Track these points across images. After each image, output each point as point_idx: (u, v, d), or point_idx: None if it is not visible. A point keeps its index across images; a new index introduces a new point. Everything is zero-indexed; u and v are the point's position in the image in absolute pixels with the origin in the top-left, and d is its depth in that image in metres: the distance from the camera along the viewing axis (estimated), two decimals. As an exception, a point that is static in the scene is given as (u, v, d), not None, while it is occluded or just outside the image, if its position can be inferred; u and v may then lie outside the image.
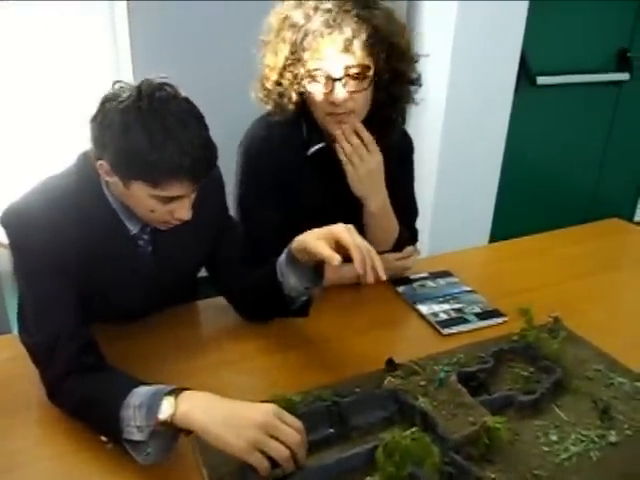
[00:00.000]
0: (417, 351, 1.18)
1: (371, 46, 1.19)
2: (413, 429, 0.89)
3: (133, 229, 1.14)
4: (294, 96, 1.26)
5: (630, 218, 2.02)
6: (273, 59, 1.25)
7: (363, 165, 1.29)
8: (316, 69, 1.20)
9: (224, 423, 0.86)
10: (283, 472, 0.87)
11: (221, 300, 1.38)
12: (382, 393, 1.03)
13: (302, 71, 1.22)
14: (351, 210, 1.34)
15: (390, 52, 1.23)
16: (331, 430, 0.97)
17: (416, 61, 1.30)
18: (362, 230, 1.31)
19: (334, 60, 1.18)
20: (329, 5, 1.19)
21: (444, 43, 2.40)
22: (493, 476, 0.90)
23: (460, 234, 2.55)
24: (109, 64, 2.38)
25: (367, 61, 1.20)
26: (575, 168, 3.05)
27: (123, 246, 1.14)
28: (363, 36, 1.17)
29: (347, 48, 1.17)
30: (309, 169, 1.35)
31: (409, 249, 1.48)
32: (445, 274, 1.52)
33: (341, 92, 1.20)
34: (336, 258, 0.99)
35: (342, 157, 1.29)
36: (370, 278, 0.99)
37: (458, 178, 2.59)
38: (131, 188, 1.03)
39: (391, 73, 1.25)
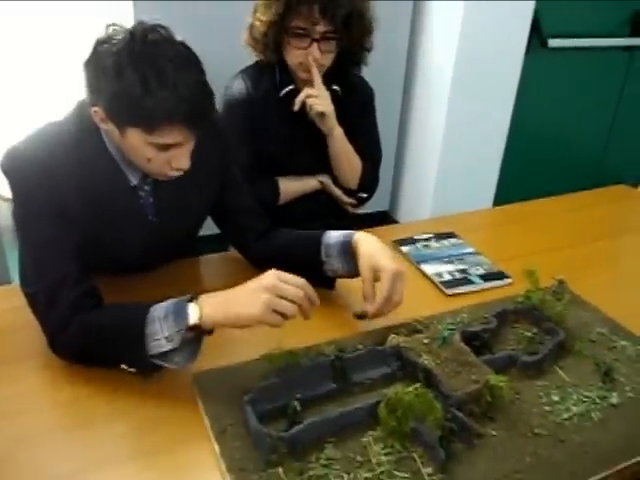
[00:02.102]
0: (420, 310, 1.18)
1: (349, 21, 1.42)
2: (416, 385, 0.89)
3: (134, 180, 1.12)
4: (274, 48, 1.47)
5: (636, 185, 2.00)
6: (266, 13, 1.43)
7: (326, 100, 1.48)
8: (301, 28, 1.41)
9: (239, 302, 0.95)
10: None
11: (224, 255, 1.37)
12: (385, 350, 1.03)
13: (288, 28, 1.42)
14: (316, 147, 1.56)
15: (362, 28, 1.47)
16: (334, 385, 0.97)
17: (372, 32, 1.52)
18: (328, 167, 1.60)
19: (317, 25, 1.40)
20: None
21: (455, 3, 2.34)
22: (494, 433, 0.91)
23: (464, 198, 2.53)
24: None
25: (343, 31, 1.42)
26: (583, 133, 3.01)
27: (124, 196, 1.13)
28: (344, 10, 1.39)
29: (329, 18, 1.38)
30: (280, 109, 1.52)
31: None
32: (450, 235, 1.51)
33: (317, 50, 1.43)
34: (365, 306, 1.12)
35: (315, 102, 1.48)
36: (369, 317, 1.12)
37: (464, 140, 2.56)
38: (127, 135, 1.00)
39: (357, 43, 1.49)
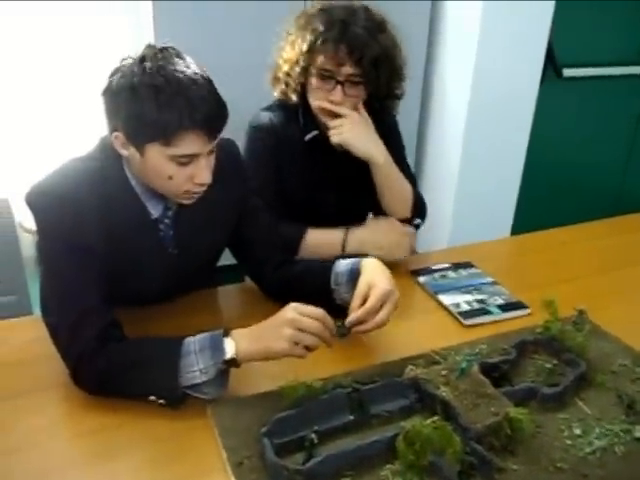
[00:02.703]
0: (438, 341, 1.17)
1: (377, 65, 1.34)
2: (434, 418, 0.88)
3: (155, 213, 1.15)
4: (298, 87, 1.41)
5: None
6: (290, 52, 1.39)
7: (345, 127, 1.39)
8: (325, 69, 1.35)
9: (266, 338, 0.99)
10: None
11: (241, 287, 1.38)
12: (403, 381, 1.02)
13: (312, 68, 1.36)
14: (347, 187, 1.51)
15: (391, 73, 1.40)
16: (351, 417, 0.97)
17: (404, 80, 1.46)
18: (360, 206, 1.54)
19: (343, 67, 1.33)
20: (348, 17, 1.33)
21: (471, 33, 2.37)
22: (515, 467, 0.89)
23: (481, 227, 2.52)
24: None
25: (370, 76, 1.35)
26: (600, 162, 3.00)
27: (145, 230, 1.15)
28: (372, 53, 1.32)
29: (358, 60, 1.32)
30: (305, 154, 1.47)
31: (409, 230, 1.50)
32: (467, 265, 1.50)
33: (339, 92, 1.36)
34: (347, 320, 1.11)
35: (333, 133, 1.39)
36: (345, 326, 1.11)
37: (481, 169, 2.56)
38: (147, 155, 1.03)
39: (385, 88, 1.42)
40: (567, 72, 2.63)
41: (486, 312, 1.31)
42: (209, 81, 1.04)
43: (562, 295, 1.20)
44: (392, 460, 0.88)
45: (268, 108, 1.49)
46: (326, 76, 1.35)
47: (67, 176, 1.08)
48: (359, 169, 1.45)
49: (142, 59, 1.01)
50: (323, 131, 1.44)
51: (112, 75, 1.03)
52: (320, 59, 1.33)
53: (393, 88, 1.43)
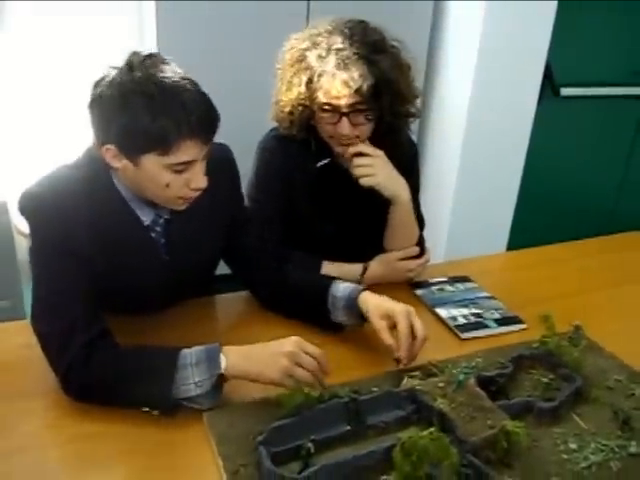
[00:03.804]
0: (435, 354, 1.17)
1: (376, 90, 1.28)
2: (431, 429, 0.88)
3: (146, 220, 1.14)
4: (302, 124, 1.37)
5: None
6: (287, 94, 1.34)
7: (376, 169, 1.35)
8: (327, 104, 1.30)
9: (261, 362, 0.99)
10: None
11: (239, 295, 1.38)
12: (400, 392, 1.03)
13: (313, 104, 1.32)
14: (352, 222, 1.48)
15: (394, 96, 1.33)
16: (348, 427, 0.96)
17: (416, 97, 1.40)
18: (378, 242, 1.47)
19: (343, 98, 1.28)
20: (340, 45, 1.28)
21: (469, 52, 2.40)
22: (511, 481, 0.89)
23: (477, 242, 2.53)
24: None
25: (372, 102, 1.29)
26: (596, 180, 3.03)
27: (136, 237, 1.14)
28: (370, 80, 1.26)
29: (356, 90, 1.26)
30: (314, 180, 1.44)
31: (411, 250, 1.47)
32: (464, 279, 1.51)
33: (346, 125, 1.31)
34: (395, 354, 1.11)
35: (357, 172, 1.36)
36: (404, 361, 1.11)
37: (478, 186, 2.58)
38: (142, 165, 1.02)
39: (392, 112, 1.35)
40: (564, 91, 2.66)
41: (483, 326, 1.31)
42: (197, 85, 1.03)
43: (558, 311, 1.21)
44: (388, 471, 0.88)
45: (278, 129, 1.44)
46: (329, 110, 1.31)
47: (57, 183, 1.07)
48: (369, 201, 1.41)
49: (130, 67, 0.99)
50: (335, 158, 1.42)
51: (97, 86, 1.00)
52: (319, 95, 1.30)
53: (399, 110, 1.36)
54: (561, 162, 2.88)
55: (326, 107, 1.30)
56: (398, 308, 1.13)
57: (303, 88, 1.31)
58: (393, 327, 1.13)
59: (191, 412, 0.99)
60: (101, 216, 1.07)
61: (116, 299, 1.14)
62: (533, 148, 2.62)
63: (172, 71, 1.01)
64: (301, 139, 1.40)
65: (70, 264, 1.04)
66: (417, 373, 1.10)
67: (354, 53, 1.26)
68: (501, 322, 1.33)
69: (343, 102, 1.28)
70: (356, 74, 1.25)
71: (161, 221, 1.16)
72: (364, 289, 1.22)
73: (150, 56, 1.02)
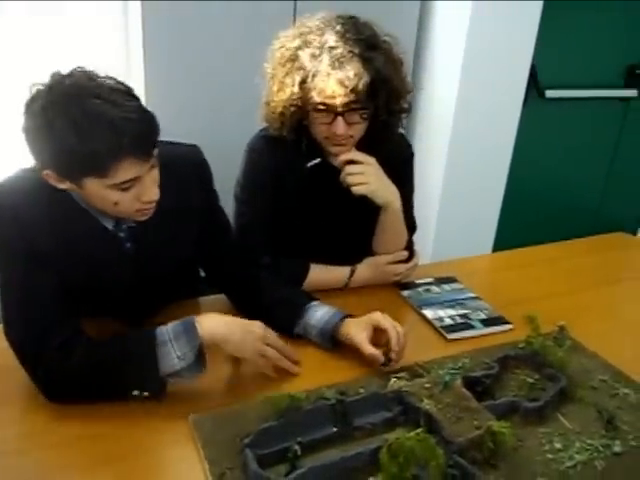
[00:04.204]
0: (421, 355, 1.18)
1: (372, 88, 1.26)
2: (418, 430, 0.88)
3: (108, 225, 1.11)
4: (294, 125, 1.34)
5: (634, 233, 2.01)
6: (279, 94, 1.31)
7: (369, 177, 1.34)
8: (321, 103, 1.27)
9: (240, 336, 1.06)
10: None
11: (223, 297, 1.37)
12: (386, 394, 1.03)
13: (307, 105, 1.29)
14: (347, 226, 1.45)
15: (389, 93, 1.30)
16: (334, 429, 0.96)
17: (410, 92, 1.37)
18: (367, 244, 1.46)
19: (338, 97, 1.25)
20: (334, 43, 1.25)
21: (455, 53, 2.41)
22: (497, 481, 0.90)
23: (463, 243, 2.54)
24: (121, 66, 2.37)
25: (367, 100, 1.27)
26: (581, 182, 3.05)
27: (100, 243, 1.11)
28: (365, 78, 1.24)
29: (351, 88, 1.23)
30: (304, 180, 1.41)
31: (400, 254, 1.47)
32: (450, 280, 1.52)
33: (341, 124, 1.28)
34: (379, 359, 1.12)
35: (349, 180, 1.34)
36: (396, 359, 1.13)
37: (464, 187, 2.59)
38: (85, 187, 0.98)
39: (388, 109, 1.33)
40: (549, 93, 2.67)
41: (469, 327, 1.32)
42: (130, 95, 0.97)
43: (543, 311, 1.22)
44: (375, 472, 0.88)
45: (269, 130, 1.41)
46: (324, 110, 1.28)
47: (14, 188, 1.04)
48: (359, 202, 1.38)
49: (49, 90, 0.93)
50: (327, 156, 1.39)
51: (25, 111, 0.95)
52: (314, 95, 1.26)
53: (394, 106, 1.34)
54: (546, 163, 2.90)
55: (320, 107, 1.27)
56: (373, 315, 1.17)
57: (296, 88, 1.27)
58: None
59: (177, 415, 0.99)
60: (61, 221, 1.05)
61: (91, 303, 1.13)
62: (518, 150, 2.64)
63: (97, 86, 0.94)
64: (291, 140, 1.37)
65: (35, 269, 1.03)
66: (403, 374, 1.10)
67: (348, 51, 1.24)
68: (487, 323, 1.34)
69: (338, 101, 1.25)
70: (351, 73, 1.22)
71: (124, 226, 1.13)
72: (343, 317, 1.20)
73: (71, 74, 0.95)
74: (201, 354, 1.03)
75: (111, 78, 0.98)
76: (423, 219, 2.69)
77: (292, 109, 1.30)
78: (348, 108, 1.27)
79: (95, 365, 1.00)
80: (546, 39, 2.51)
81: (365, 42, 1.27)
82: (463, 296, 1.44)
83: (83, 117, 0.91)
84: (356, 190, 1.34)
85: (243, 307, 1.30)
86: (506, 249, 1.81)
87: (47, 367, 0.99)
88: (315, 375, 1.11)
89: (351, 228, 1.46)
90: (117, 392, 1.00)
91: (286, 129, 1.35)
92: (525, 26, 2.43)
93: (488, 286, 1.54)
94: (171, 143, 1.18)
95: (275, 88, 1.32)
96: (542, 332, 1.18)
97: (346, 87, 1.23)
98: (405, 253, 1.48)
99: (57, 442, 0.95)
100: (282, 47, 1.32)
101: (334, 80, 1.23)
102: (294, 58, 1.29)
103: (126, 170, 0.96)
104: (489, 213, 2.73)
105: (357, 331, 1.15)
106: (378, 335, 1.16)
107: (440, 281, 1.51)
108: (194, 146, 1.25)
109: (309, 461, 0.89)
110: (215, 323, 1.06)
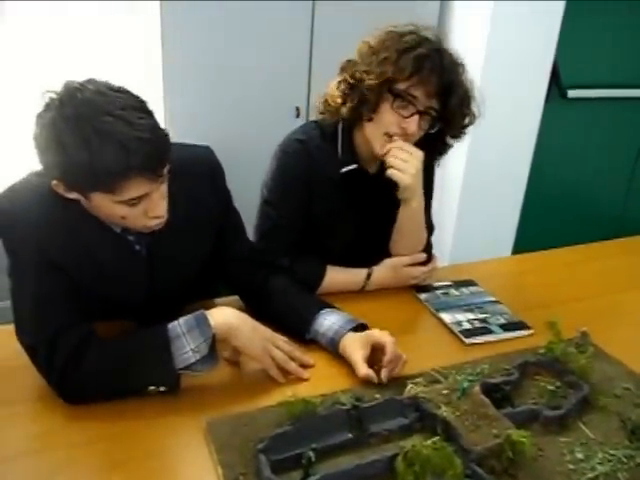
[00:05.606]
0: (439, 360, 1.16)
1: (461, 104, 1.30)
2: (435, 438, 0.86)
3: (118, 230, 1.10)
4: (372, 105, 1.30)
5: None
6: (371, 65, 1.27)
7: (409, 167, 1.31)
8: (411, 94, 1.26)
9: (250, 332, 1.08)
10: None
11: (238, 299, 1.36)
12: (403, 400, 1.01)
13: (395, 87, 1.26)
14: (372, 232, 1.43)
15: (464, 114, 1.34)
16: (350, 435, 0.95)
17: (469, 125, 1.39)
18: (385, 249, 1.44)
19: (428, 98, 1.27)
20: (425, 51, 1.25)
21: (476, 53, 2.38)
22: (516, 492, 0.88)
23: (482, 245, 2.52)
24: (140, 66, 2.38)
25: (449, 113, 1.30)
26: (603, 183, 3.00)
27: (113, 247, 1.10)
28: (459, 93, 1.28)
29: (444, 95, 1.27)
30: (337, 186, 1.39)
31: (419, 256, 1.45)
32: (469, 283, 1.49)
33: (415, 123, 1.28)
34: (373, 380, 1.09)
35: (391, 162, 1.31)
36: (383, 375, 1.09)
37: (483, 188, 2.56)
38: (92, 200, 0.98)
39: (456, 129, 1.37)
40: (571, 93, 2.64)
41: (488, 331, 1.29)
42: (143, 111, 0.95)
43: (564, 316, 1.19)
44: (391, 480, 0.87)
45: (302, 133, 1.40)
46: (407, 101, 1.26)
47: (26, 194, 1.04)
48: (389, 209, 1.39)
49: (60, 103, 0.91)
50: (362, 165, 1.39)
51: (36, 123, 0.94)
52: (408, 83, 1.25)
53: (460, 130, 1.37)
54: (568, 165, 2.86)
55: (407, 97, 1.25)
56: (372, 333, 1.14)
57: (393, 66, 1.24)
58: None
59: (192, 419, 0.98)
60: (74, 226, 1.04)
61: (101, 307, 1.11)
62: (540, 151, 2.60)
63: (109, 102, 0.92)
64: (328, 139, 1.37)
65: (47, 272, 1.03)
66: (420, 380, 1.08)
67: (451, 62, 1.28)
68: (506, 327, 1.31)
69: (427, 101, 1.27)
70: (452, 82, 1.26)
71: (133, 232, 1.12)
72: (351, 328, 1.18)
73: (83, 87, 0.93)
74: (213, 348, 1.03)
75: (125, 92, 0.96)
76: (442, 221, 2.68)
77: (380, 87, 1.26)
78: (428, 111, 1.28)
79: (109, 366, 1.00)
80: (568, 38, 2.47)
81: (460, 62, 1.31)
82: (482, 300, 1.42)
83: (93, 135, 0.89)
84: (392, 174, 1.32)
85: (254, 311, 1.28)
86: (526, 252, 1.78)
87: (61, 372, 0.99)
88: (330, 380, 1.09)
89: (378, 234, 1.44)
90: (133, 390, 1.01)
91: (347, 110, 1.31)
92: (547, 25, 2.40)
93: (508, 290, 1.51)
94: (184, 145, 1.18)
95: (367, 59, 1.28)
96: (563, 338, 1.15)
97: (442, 91, 1.26)
98: (423, 255, 1.45)
99: (71, 443, 0.95)
100: (389, 33, 1.30)
101: (435, 79, 1.25)
102: (399, 41, 1.27)
103: (135, 188, 0.96)
104: (509, 214, 2.70)
105: (353, 350, 1.12)
106: (377, 353, 1.13)
107: (458, 284, 1.48)
108: (207, 147, 1.24)
109: (323, 468, 0.88)
110: (227, 315, 1.07)
